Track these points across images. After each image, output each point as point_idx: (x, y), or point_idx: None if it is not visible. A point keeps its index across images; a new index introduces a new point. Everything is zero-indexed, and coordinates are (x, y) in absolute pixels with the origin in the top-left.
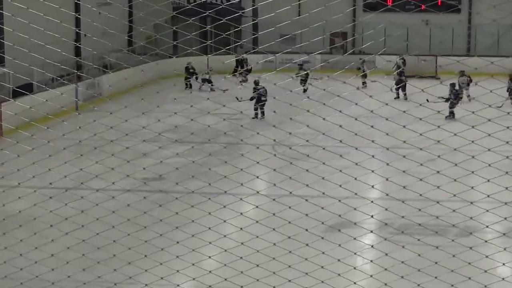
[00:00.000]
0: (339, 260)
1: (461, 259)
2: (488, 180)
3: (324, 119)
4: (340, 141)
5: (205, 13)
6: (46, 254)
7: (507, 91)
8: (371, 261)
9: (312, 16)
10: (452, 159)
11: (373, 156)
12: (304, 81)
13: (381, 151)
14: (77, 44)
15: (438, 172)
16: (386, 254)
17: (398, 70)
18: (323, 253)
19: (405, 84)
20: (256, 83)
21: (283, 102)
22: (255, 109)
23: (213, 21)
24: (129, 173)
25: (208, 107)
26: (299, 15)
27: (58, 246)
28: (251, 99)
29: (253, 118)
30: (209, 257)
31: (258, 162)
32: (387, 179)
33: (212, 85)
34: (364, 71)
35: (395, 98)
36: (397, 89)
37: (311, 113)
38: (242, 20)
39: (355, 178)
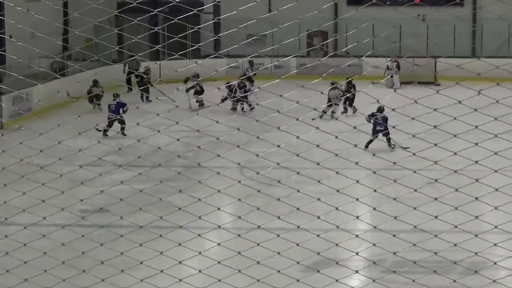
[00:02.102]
0: None
1: None
2: (496, 208)
3: (298, 137)
4: (318, 164)
5: (154, 11)
6: None
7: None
8: None
9: (285, 13)
10: (453, 182)
11: (357, 181)
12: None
13: (367, 174)
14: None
15: (436, 199)
16: None
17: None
18: None
19: None
20: (115, 96)
21: (249, 117)
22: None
23: (165, 20)
24: (63, 206)
25: (158, 125)
26: (269, 12)
27: None
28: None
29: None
30: None
31: (219, 191)
32: (374, 209)
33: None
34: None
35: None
36: None
37: (283, 130)
38: (201, 19)
39: (337, 208)
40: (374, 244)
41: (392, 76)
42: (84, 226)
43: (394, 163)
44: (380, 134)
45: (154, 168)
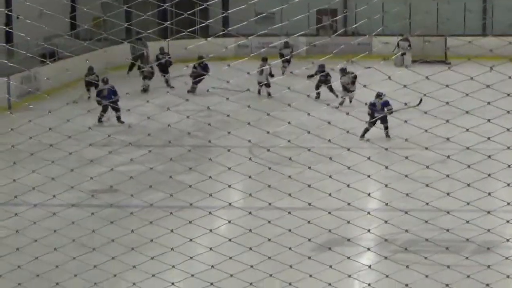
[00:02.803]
0: (330, 284)
1: (477, 280)
2: (509, 185)
3: (309, 114)
4: (329, 141)
5: None
6: None
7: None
8: (369, 284)
9: None
10: (465, 159)
11: (369, 158)
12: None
13: (379, 151)
14: (7, 28)
15: (448, 176)
16: (387, 276)
17: (401, 52)
18: (310, 276)
19: None
20: (105, 81)
21: (259, 94)
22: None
23: None
24: (73, 184)
25: (168, 102)
26: None
27: None
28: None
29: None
30: (172, 283)
31: (230, 168)
32: (386, 186)
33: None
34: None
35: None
36: None
37: (293, 107)
38: None
39: (348, 185)
40: (385, 222)
41: (403, 55)
42: (94, 205)
43: (406, 139)
44: (378, 122)
45: (164, 147)
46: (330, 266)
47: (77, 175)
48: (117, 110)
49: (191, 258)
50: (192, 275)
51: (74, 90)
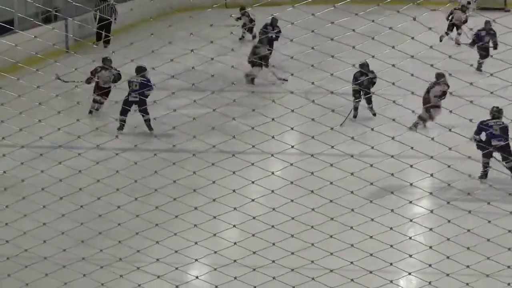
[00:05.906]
0: (391, 228)
1: None
2: None
3: (373, 56)
4: (393, 84)
5: None
6: (37, 223)
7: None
8: (431, 229)
9: None
10: None
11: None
12: None
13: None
14: None
15: None
16: (449, 221)
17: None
18: (372, 220)
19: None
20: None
21: (324, 36)
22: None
23: None
24: (136, 125)
25: (230, 45)
26: None
27: (51, 213)
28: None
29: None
30: (234, 226)
31: (293, 111)
32: (450, 130)
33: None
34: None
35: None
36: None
37: (358, 49)
38: None
39: (410, 128)
40: (448, 166)
41: (468, 3)
42: (155, 149)
43: (471, 83)
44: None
45: (220, 93)
46: (392, 210)
47: (139, 116)
48: (145, 112)
49: (252, 200)
50: (254, 218)
51: (136, 31)
